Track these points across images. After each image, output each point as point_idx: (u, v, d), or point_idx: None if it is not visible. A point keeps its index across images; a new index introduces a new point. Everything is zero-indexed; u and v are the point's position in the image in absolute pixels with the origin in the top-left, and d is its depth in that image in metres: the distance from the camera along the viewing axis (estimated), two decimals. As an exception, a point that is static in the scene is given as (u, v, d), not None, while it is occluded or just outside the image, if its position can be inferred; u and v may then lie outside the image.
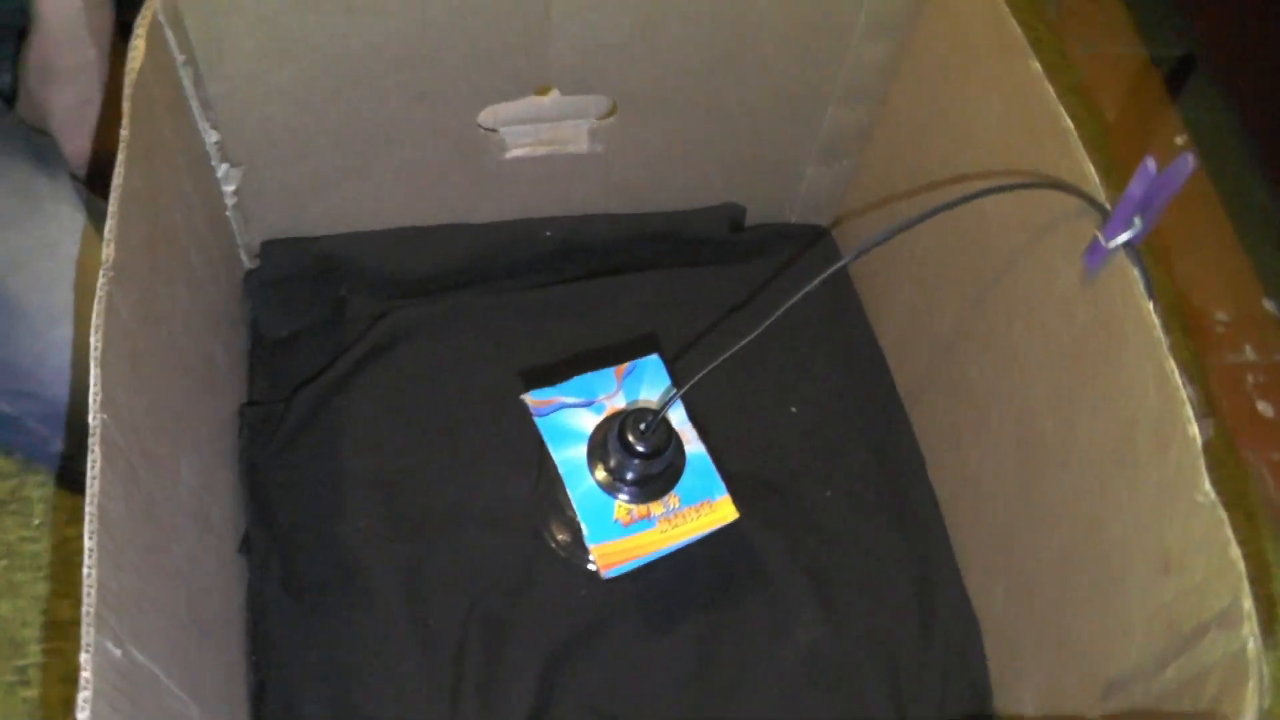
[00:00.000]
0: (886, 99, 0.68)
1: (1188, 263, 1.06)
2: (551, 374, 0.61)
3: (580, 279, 0.75)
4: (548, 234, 0.75)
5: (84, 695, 0.35)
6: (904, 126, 0.68)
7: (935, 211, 0.50)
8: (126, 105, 0.47)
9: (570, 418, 0.59)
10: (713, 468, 0.60)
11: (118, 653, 0.39)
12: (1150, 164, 0.43)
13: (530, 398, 0.60)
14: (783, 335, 0.73)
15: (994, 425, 0.60)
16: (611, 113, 0.68)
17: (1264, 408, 0.99)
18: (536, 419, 0.59)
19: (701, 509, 0.59)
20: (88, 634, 0.36)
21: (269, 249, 0.72)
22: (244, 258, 0.72)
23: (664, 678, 0.62)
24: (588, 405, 0.60)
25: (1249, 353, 1.02)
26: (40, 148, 0.71)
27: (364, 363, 0.70)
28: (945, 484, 0.67)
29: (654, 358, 0.62)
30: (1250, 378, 1.01)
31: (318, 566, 0.63)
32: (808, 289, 0.50)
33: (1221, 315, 1.04)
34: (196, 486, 0.55)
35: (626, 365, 0.61)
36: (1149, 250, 0.46)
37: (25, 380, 0.69)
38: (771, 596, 0.64)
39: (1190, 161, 0.43)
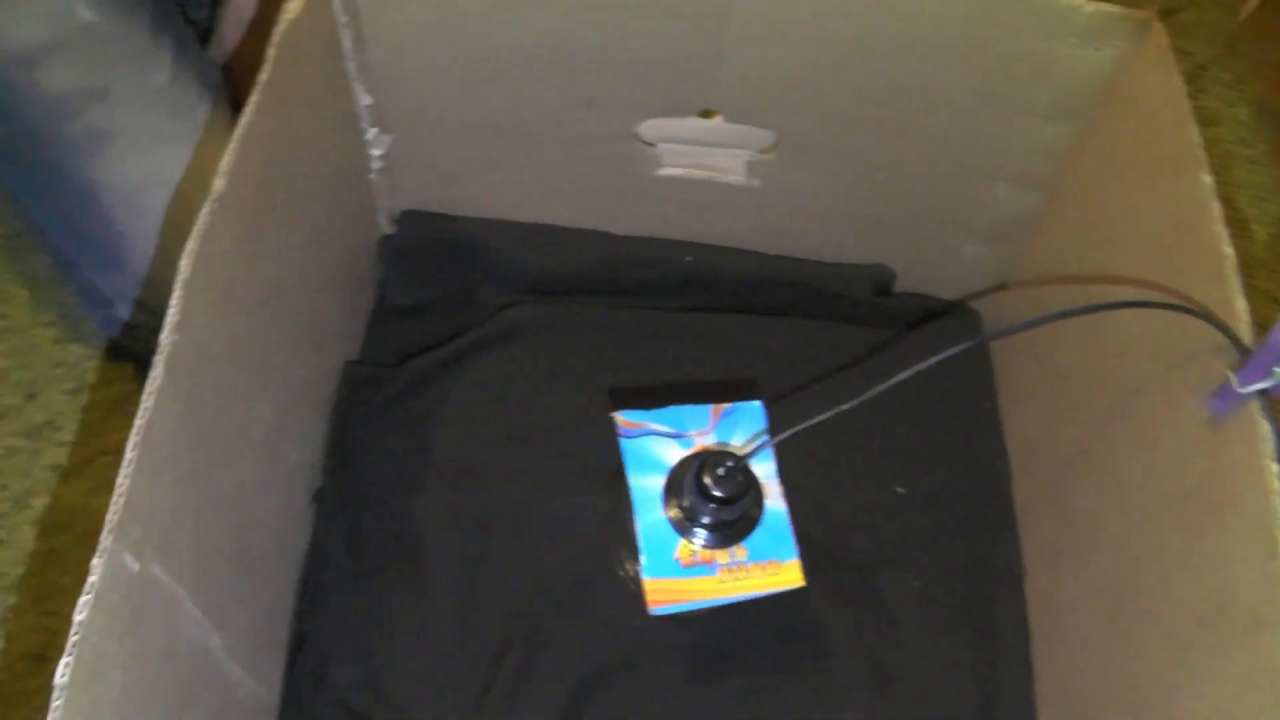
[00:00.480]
0: (1061, 187, 0.65)
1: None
2: (647, 396, 0.60)
3: (711, 311, 0.73)
4: (687, 259, 0.73)
5: (85, 599, 0.36)
6: (1073, 219, 0.63)
7: (1066, 314, 0.47)
8: (271, 52, 0.48)
9: (656, 446, 0.58)
10: (789, 528, 0.57)
11: (135, 566, 0.39)
12: (1300, 312, 0.39)
13: (620, 417, 0.58)
14: (909, 410, 0.70)
15: (1093, 563, 0.55)
16: (773, 149, 0.66)
17: None
18: (621, 440, 0.58)
19: (768, 568, 0.56)
20: (105, 539, 0.37)
21: (408, 218, 0.73)
22: (383, 222, 0.73)
23: None
24: (677, 438, 0.58)
25: None
26: (213, 81, 0.73)
27: (477, 348, 0.69)
28: (1036, 607, 0.63)
29: (756, 404, 0.60)
30: None
31: (382, 537, 0.63)
32: (920, 366, 0.47)
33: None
34: (274, 425, 0.55)
35: (726, 406, 0.59)
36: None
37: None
38: (826, 675, 0.61)
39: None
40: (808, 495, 0.64)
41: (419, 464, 0.66)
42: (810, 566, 0.56)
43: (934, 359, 0.47)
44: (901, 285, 0.75)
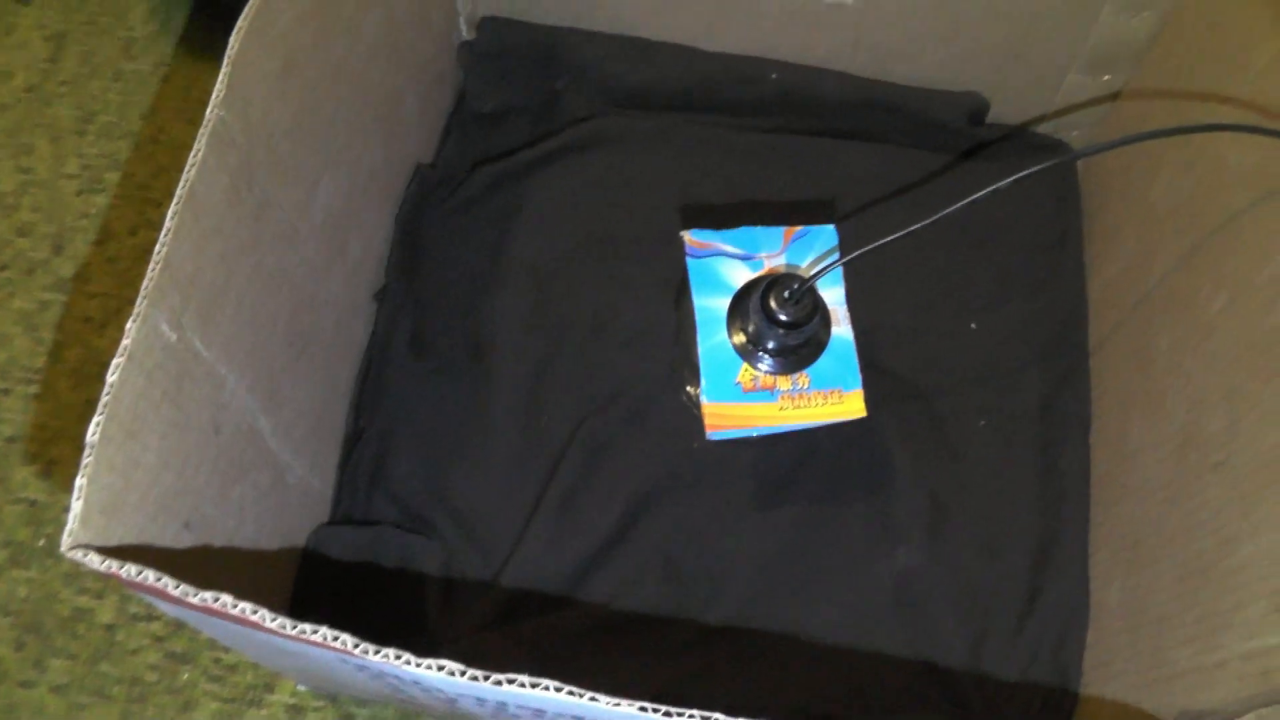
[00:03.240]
0: (1173, 14, 0.60)
1: None
2: (719, 215, 0.58)
3: (795, 133, 0.71)
4: (773, 76, 0.70)
5: (117, 360, 0.35)
6: (1184, 50, 0.59)
7: (1158, 134, 0.44)
8: None
9: (724, 267, 0.56)
10: (854, 356, 0.55)
11: (172, 335, 0.39)
12: None
13: (689, 236, 0.57)
14: (989, 247, 0.68)
15: (1166, 405, 0.53)
16: (872, -36, 0.63)
17: None
18: (689, 259, 0.56)
19: (830, 396, 0.55)
20: (140, 304, 0.37)
21: (489, 24, 0.71)
22: (463, 26, 0.71)
23: (746, 553, 0.60)
24: (746, 259, 0.57)
25: None
26: None
27: (554, 157, 0.69)
28: (1100, 453, 0.61)
29: (829, 228, 0.58)
30: None
31: (450, 334, 0.64)
32: (999, 185, 0.45)
33: None
34: (337, 210, 0.55)
35: (798, 229, 0.57)
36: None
37: None
38: (884, 509, 0.61)
39: None
40: (879, 323, 0.63)
41: (493, 266, 0.65)
42: (876, 396, 0.55)
43: (1011, 178, 0.44)
44: (998, 116, 0.72)
